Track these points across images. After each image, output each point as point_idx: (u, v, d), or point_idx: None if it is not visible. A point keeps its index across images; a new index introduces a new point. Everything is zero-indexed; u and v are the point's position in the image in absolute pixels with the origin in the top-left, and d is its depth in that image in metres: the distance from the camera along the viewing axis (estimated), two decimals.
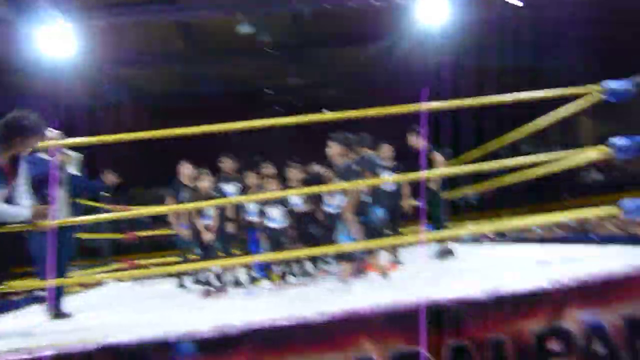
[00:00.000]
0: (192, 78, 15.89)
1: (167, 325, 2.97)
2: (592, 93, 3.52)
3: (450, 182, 5.67)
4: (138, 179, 14.21)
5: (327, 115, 3.97)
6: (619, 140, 3.42)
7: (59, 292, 4.01)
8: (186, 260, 5.80)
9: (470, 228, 8.94)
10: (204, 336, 2.69)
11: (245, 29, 8.71)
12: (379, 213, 4.88)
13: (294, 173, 5.36)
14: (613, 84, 3.36)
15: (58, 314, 3.98)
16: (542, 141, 17.51)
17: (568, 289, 2.87)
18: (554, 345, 2.82)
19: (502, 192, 14.89)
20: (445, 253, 5.28)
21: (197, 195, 5.00)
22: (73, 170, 4.54)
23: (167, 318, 3.62)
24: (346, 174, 4.68)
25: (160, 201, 6.59)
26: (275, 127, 4.12)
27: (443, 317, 2.80)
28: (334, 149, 4.89)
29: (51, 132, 3.87)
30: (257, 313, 3.14)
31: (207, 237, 4.93)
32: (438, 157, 5.30)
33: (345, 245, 4.62)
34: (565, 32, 12.29)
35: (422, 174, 4.19)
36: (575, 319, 2.84)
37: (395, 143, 5.80)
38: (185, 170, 5.73)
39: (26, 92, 13.33)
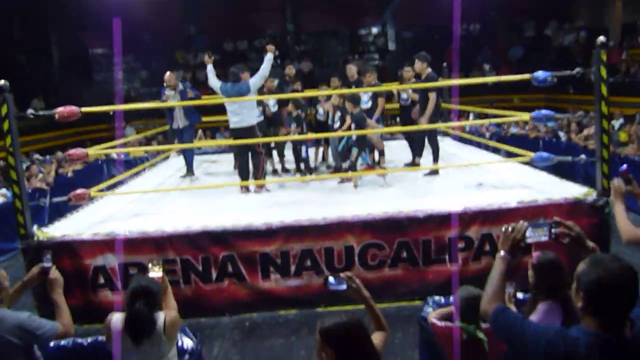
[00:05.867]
0: None
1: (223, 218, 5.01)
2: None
3: None
4: None
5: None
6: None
7: None
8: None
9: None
10: (257, 228, 4.75)
11: None
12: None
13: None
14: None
15: None
16: (570, 25, 18.08)
17: (475, 213, 4.74)
18: (460, 245, 4.77)
19: None
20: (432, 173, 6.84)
21: None
22: None
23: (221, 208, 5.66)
24: None
25: None
26: None
27: (395, 225, 4.76)
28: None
29: None
30: (288, 210, 5.17)
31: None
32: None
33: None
34: None
35: None
36: (476, 231, 4.75)
37: None
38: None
39: None
